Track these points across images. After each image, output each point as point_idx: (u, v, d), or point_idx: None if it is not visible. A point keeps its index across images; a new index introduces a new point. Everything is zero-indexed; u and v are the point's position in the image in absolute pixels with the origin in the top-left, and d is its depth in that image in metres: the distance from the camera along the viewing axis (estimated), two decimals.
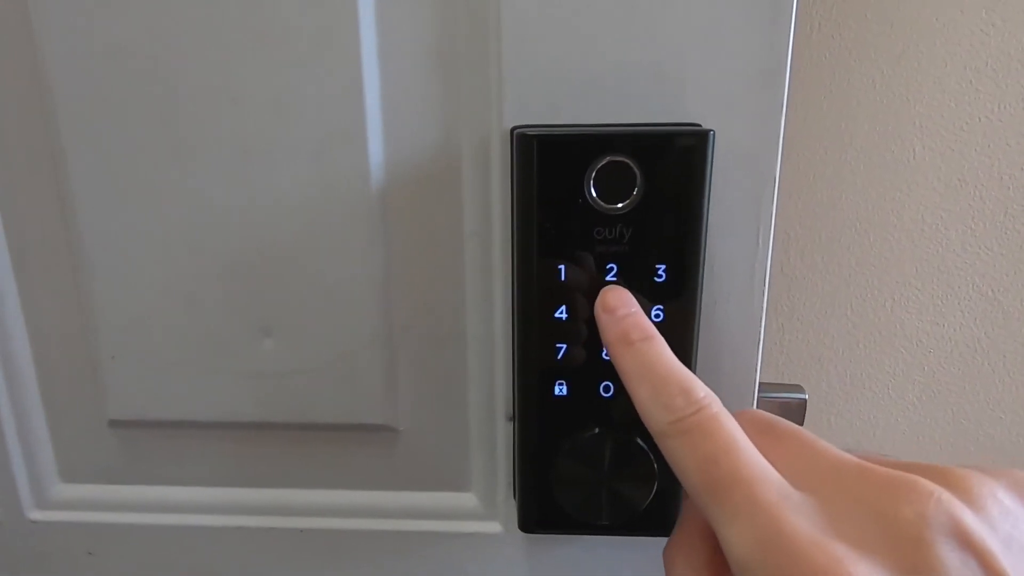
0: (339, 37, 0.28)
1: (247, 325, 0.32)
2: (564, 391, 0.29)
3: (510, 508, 0.34)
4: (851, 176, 0.67)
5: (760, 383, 0.32)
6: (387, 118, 0.29)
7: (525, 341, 0.28)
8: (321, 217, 0.31)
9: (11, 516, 0.37)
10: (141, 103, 0.30)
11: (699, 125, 0.28)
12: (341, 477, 0.36)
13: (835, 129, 0.65)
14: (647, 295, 0.27)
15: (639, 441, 0.28)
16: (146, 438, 0.36)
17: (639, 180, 0.26)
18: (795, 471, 0.22)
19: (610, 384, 0.28)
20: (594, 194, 0.26)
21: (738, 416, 0.23)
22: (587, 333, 0.28)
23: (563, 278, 0.27)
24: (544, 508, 0.30)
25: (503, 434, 0.33)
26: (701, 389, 0.23)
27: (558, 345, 0.28)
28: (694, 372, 0.25)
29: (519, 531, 0.31)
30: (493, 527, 0.35)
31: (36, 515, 0.37)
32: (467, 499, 0.35)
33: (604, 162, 0.26)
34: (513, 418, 0.31)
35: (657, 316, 0.27)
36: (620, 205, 0.26)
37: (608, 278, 0.27)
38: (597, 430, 0.28)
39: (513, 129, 0.28)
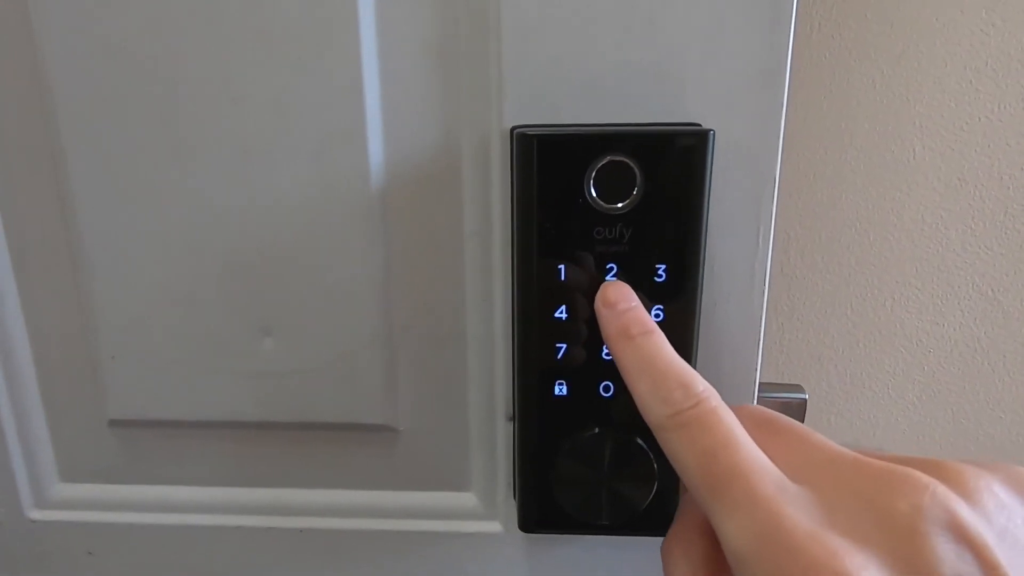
0: (339, 37, 0.28)
1: (247, 325, 0.32)
2: (564, 391, 0.29)
3: (510, 508, 0.34)
4: (851, 176, 0.67)
5: (760, 383, 0.32)
6: (387, 118, 0.29)
7: (525, 341, 0.28)
8: (321, 217, 0.30)
9: (11, 516, 0.37)
10: (141, 103, 0.30)
11: (699, 125, 0.28)
12: (341, 477, 0.36)
13: (835, 129, 0.65)
14: (647, 295, 0.27)
15: (639, 441, 0.28)
16: (146, 438, 0.36)
17: (639, 180, 0.26)
18: (793, 465, 0.22)
19: (610, 384, 0.28)
20: (594, 194, 0.26)
21: (737, 411, 0.23)
22: (587, 333, 0.28)
23: (563, 278, 0.27)
24: (544, 508, 0.30)
25: (503, 434, 0.33)
26: (700, 383, 0.24)
27: (558, 345, 0.28)
28: None
29: (519, 531, 0.31)
30: (493, 527, 0.35)
31: (36, 515, 0.37)
32: (467, 499, 0.35)
33: (604, 162, 0.26)
34: (513, 418, 0.31)
35: (657, 316, 0.27)
36: (620, 205, 0.26)
37: (608, 278, 0.27)
38: (597, 430, 0.28)
39: (513, 129, 0.28)
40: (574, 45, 0.27)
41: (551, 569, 0.35)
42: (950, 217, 0.68)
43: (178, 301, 0.32)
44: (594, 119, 0.28)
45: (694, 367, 0.28)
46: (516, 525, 0.31)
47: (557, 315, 0.28)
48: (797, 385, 0.42)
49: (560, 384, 0.29)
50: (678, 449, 0.23)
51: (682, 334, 0.27)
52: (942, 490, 0.20)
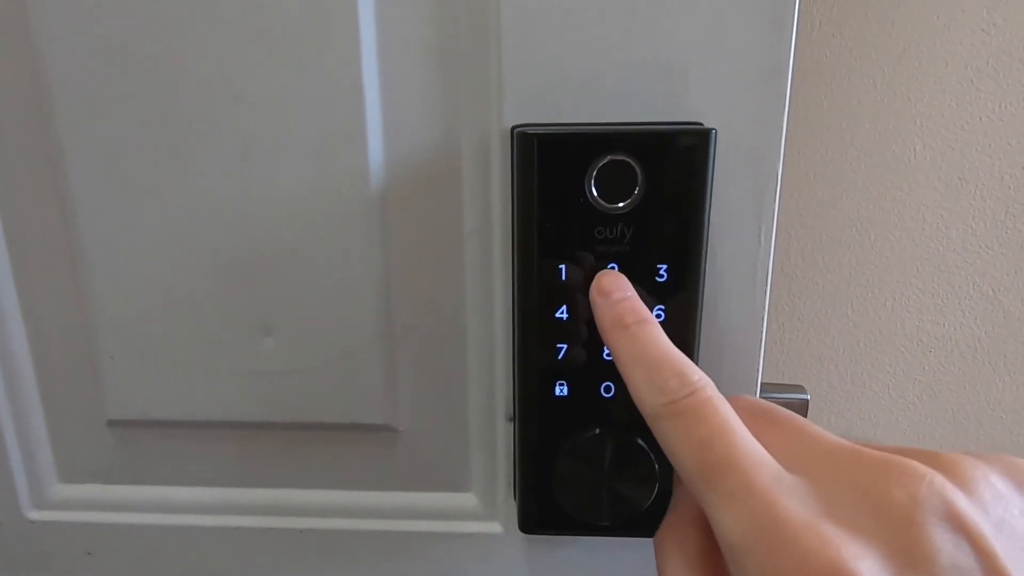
0: (339, 37, 0.28)
1: (247, 325, 0.32)
2: (565, 391, 0.28)
3: (510, 508, 0.34)
4: (852, 175, 0.67)
5: (762, 383, 0.31)
6: (387, 118, 0.29)
7: (525, 341, 0.28)
8: (321, 217, 0.30)
9: (10, 516, 0.37)
10: (141, 103, 0.30)
11: (701, 124, 0.28)
12: (341, 477, 0.36)
13: (836, 128, 0.65)
14: (648, 295, 0.27)
15: (640, 442, 0.28)
16: (145, 438, 0.36)
17: (640, 179, 0.26)
18: (789, 456, 0.22)
19: (611, 384, 0.28)
20: (595, 193, 0.26)
21: (733, 401, 0.23)
22: (588, 333, 0.28)
23: (564, 278, 0.27)
24: (544, 509, 0.30)
25: (503, 434, 0.33)
26: (695, 372, 0.23)
27: (559, 345, 0.28)
28: None
29: (519, 532, 0.31)
30: (493, 527, 0.35)
31: (35, 515, 0.37)
32: (467, 499, 0.35)
33: (605, 161, 0.26)
34: (513, 418, 0.31)
35: (659, 316, 0.27)
36: (621, 204, 0.26)
37: None
38: (598, 430, 0.28)
39: (513, 128, 0.28)
40: (574, 44, 0.27)
41: (551, 570, 0.35)
42: (951, 217, 0.68)
43: (178, 301, 0.32)
44: (595, 118, 0.28)
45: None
46: (516, 526, 0.31)
47: (558, 315, 0.28)
48: (799, 386, 0.42)
49: (561, 384, 0.28)
50: (673, 439, 0.23)
51: (684, 334, 0.27)
52: (939, 480, 0.19)
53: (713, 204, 0.27)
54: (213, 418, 0.34)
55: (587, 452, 0.28)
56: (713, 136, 0.26)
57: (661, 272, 0.27)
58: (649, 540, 0.26)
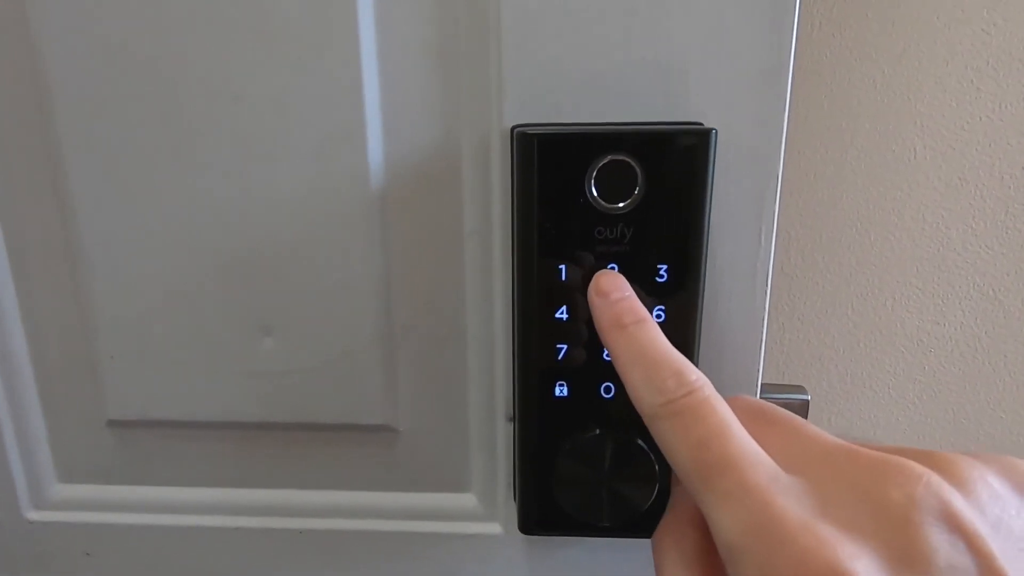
0: (339, 37, 0.28)
1: (247, 325, 0.32)
2: (565, 392, 0.28)
3: (510, 509, 0.34)
4: (852, 175, 0.67)
5: (762, 384, 0.31)
6: (387, 117, 0.29)
7: (525, 341, 0.28)
8: (321, 217, 0.30)
9: (9, 516, 0.37)
10: (141, 102, 0.30)
11: (701, 124, 0.28)
12: (341, 477, 0.35)
13: (836, 128, 0.65)
14: (648, 295, 0.27)
15: (640, 442, 0.28)
16: (145, 438, 0.36)
17: (640, 179, 0.26)
18: (786, 455, 0.22)
19: (611, 385, 0.28)
20: (595, 193, 0.26)
21: (730, 401, 0.23)
22: (588, 334, 0.28)
23: (564, 278, 0.27)
24: (544, 509, 0.30)
25: (503, 434, 0.33)
26: (693, 372, 0.23)
27: (559, 346, 0.28)
28: None
29: (519, 532, 0.31)
30: (493, 528, 0.35)
31: (34, 515, 0.37)
32: (467, 500, 0.35)
33: (605, 161, 0.26)
34: (513, 419, 0.31)
35: (659, 316, 0.27)
36: (621, 204, 0.26)
37: None
38: (598, 431, 0.28)
39: (513, 128, 0.28)
40: (575, 44, 0.27)
41: (551, 571, 0.35)
42: (951, 216, 0.67)
43: (178, 301, 0.32)
44: (595, 118, 0.28)
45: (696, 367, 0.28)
46: (516, 526, 0.31)
47: (558, 315, 0.28)
48: (799, 386, 0.42)
49: (561, 385, 0.28)
50: (670, 438, 0.23)
51: (684, 334, 0.27)
52: (936, 480, 0.19)
53: (713, 204, 0.27)
54: (213, 418, 0.34)
55: (587, 453, 0.28)
56: (713, 136, 0.26)
57: (661, 272, 0.27)
58: (650, 541, 0.26)
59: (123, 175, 0.31)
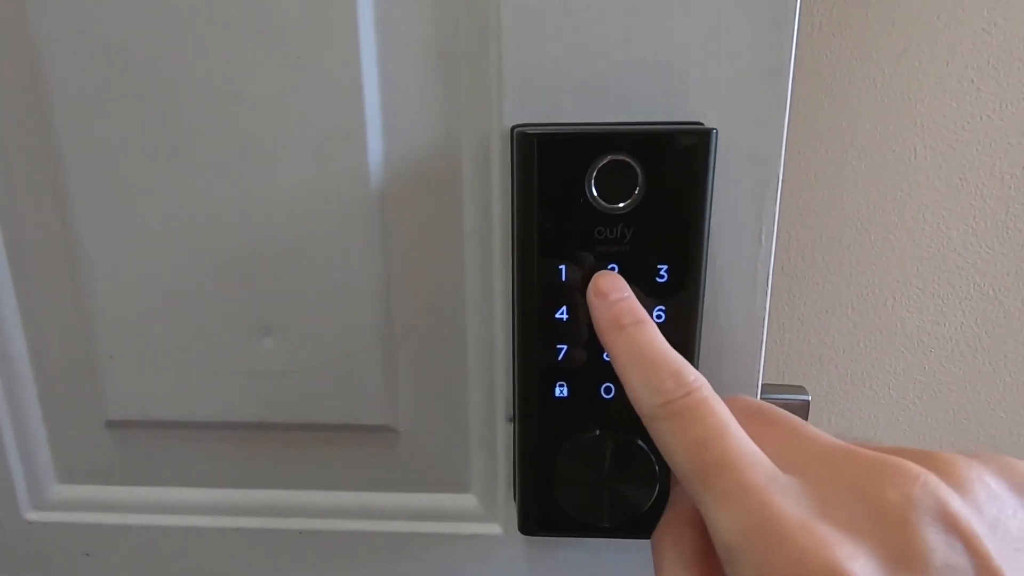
0: (339, 37, 0.28)
1: (247, 325, 0.32)
2: (565, 392, 0.28)
3: (510, 510, 0.34)
4: (852, 175, 0.67)
5: (763, 384, 0.31)
6: (387, 117, 0.29)
7: (525, 341, 0.28)
8: (321, 216, 0.30)
9: (8, 517, 0.37)
10: (141, 103, 0.29)
11: (701, 124, 0.28)
12: (341, 478, 0.35)
13: (836, 128, 0.65)
14: (649, 295, 0.27)
15: (640, 442, 0.28)
16: (144, 438, 0.36)
17: (640, 179, 0.26)
18: (784, 456, 0.22)
19: (611, 385, 0.28)
20: (595, 193, 0.26)
21: (728, 402, 0.23)
22: (588, 334, 0.28)
23: (564, 278, 0.27)
24: (544, 510, 0.30)
25: (503, 435, 0.33)
26: (691, 373, 0.23)
27: (559, 346, 0.28)
28: None
29: (519, 533, 0.31)
30: (493, 529, 0.35)
31: (33, 516, 0.37)
32: (467, 500, 0.35)
33: (605, 161, 0.26)
34: (513, 419, 0.31)
35: (659, 317, 0.27)
36: (621, 204, 0.26)
37: None
38: (598, 431, 0.28)
39: (513, 128, 0.28)
40: (575, 44, 0.27)
41: (551, 571, 0.35)
42: (951, 216, 0.67)
43: (178, 301, 0.32)
44: (595, 118, 0.28)
45: (696, 368, 0.28)
46: (516, 527, 0.31)
47: (558, 316, 0.28)
48: (799, 386, 0.42)
49: (561, 385, 0.28)
50: (669, 439, 0.23)
51: (684, 334, 0.27)
52: (933, 480, 0.20)
53: (713, 204, 0.27)
54: (213, 418, 0.34)
55: (587, 453, 0.28)
56: (713, 136, 0.26)
57: (661, 272, 0.27)
58: (650, 541, 0.26)
59: (123, 175, 0.31)
